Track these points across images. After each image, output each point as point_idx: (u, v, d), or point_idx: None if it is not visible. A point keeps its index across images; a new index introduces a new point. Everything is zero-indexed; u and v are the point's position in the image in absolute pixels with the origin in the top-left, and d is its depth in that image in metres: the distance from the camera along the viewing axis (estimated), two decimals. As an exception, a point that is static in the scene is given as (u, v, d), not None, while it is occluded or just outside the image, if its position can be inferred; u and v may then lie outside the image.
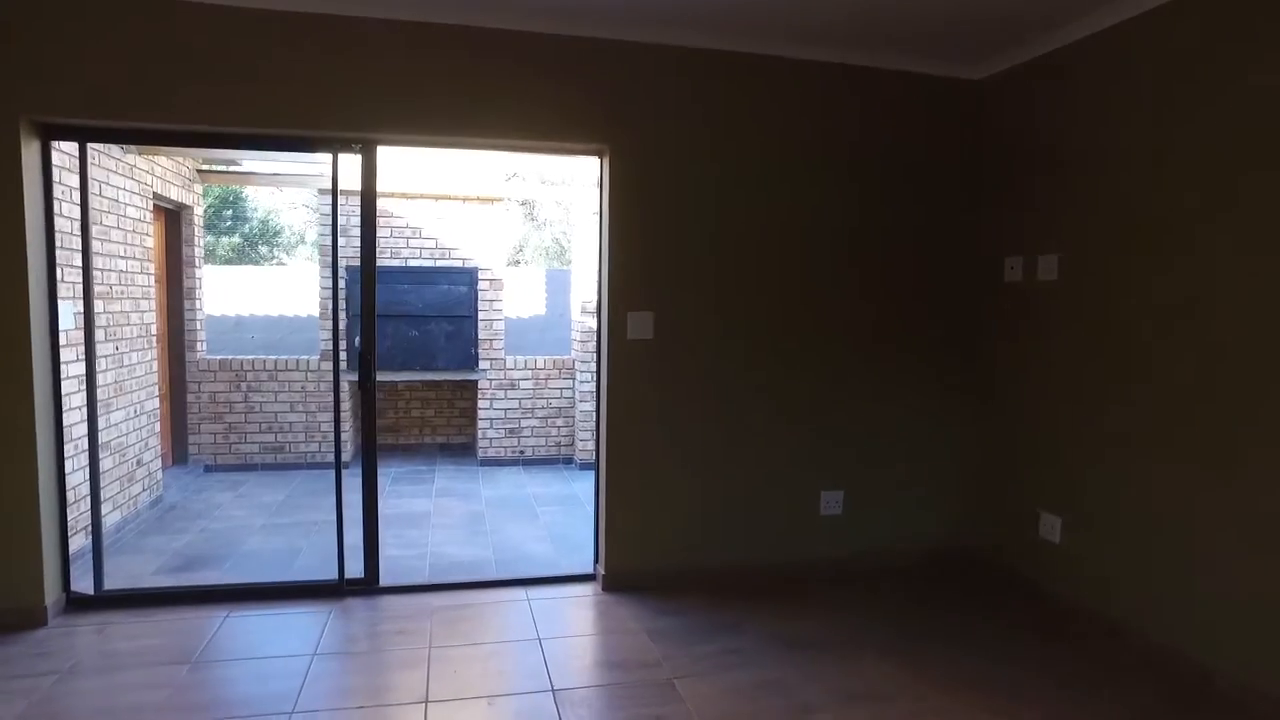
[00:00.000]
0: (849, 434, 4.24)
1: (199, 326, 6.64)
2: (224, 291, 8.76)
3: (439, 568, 4.40)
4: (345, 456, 6.92)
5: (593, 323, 7.07)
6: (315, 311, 6.66)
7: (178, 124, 3.40)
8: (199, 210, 6.61)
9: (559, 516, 5.57)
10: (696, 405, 3.99)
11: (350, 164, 3.82)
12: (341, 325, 6.73)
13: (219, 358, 6.64)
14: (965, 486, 4.43)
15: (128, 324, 5.11)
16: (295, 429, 6.75)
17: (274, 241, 20.73)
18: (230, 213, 19.55)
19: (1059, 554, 3.80)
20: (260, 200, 20.25)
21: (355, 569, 3.94)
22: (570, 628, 3.62)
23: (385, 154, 6.37)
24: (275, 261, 20.60)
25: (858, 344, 4.20)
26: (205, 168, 6.59)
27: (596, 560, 4.12)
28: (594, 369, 7.17)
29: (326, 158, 3.79)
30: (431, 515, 5.54)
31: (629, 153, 3.81)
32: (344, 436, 7.00)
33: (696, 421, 4.00)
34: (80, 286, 4.44)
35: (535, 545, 4.86)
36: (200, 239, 6.65)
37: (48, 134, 3.42)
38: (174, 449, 6.59)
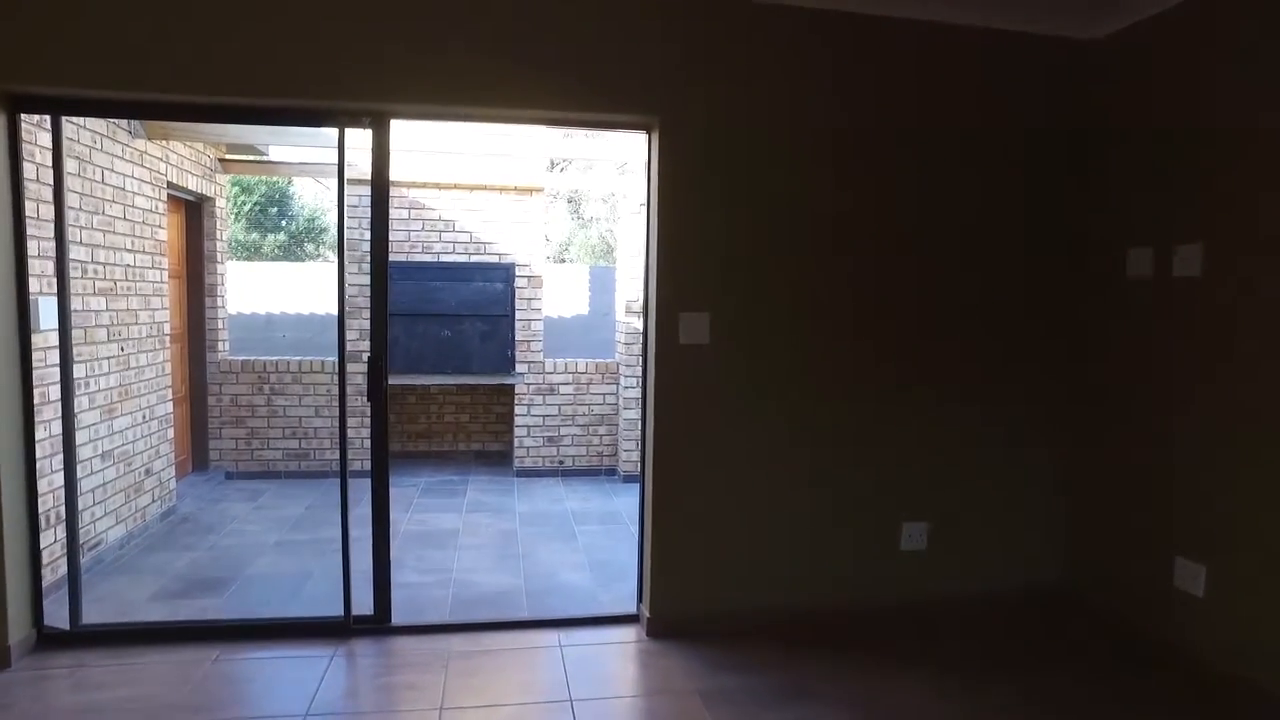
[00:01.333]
0: (935, 456, 3.62)
1: (221, 325, 6.26)
2: (260, 288, 8.42)
3: (462, 600, 3.90)
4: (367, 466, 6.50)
5: (639, 324, 6.52)
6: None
7: (156, 94, 2.94)
8: (222, 202, 6.24)
9: (599, 538, 5.03)
10: (758, 421, 3.41)
11: (362, 142, 3.32)
12: (365, 324, 6.38)
13: (241, 358, 6.26)
14: (1075, 520, 3.77)
15: (135, 323, 4.72)
16: (320, 435, 6.34)
17: (320, 239, 20.67)
18: (276, 210, 19.53)
19: (1201, 610, 3.12)
20: (306, 198, 20.19)
21: (366, 601, 3.45)
22: (609, 685, 3.07)
23: (408, 136, 5.96)
24: (321, 258, 20.53)
25: (948, 353, 3.58)
26: (229, 157, 6.20)
27: (640, 599, 3.57)
28: (640, 374, 6.62)
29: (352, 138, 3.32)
30: (460, 533, 5.05)
31: (681, 127, 3.25)
32: (367, 445, 6.59)
33: (758, 440, 3.42)
34: (73, 283, 4.04)
35: (572, 573, 4.33)
36: (223, 232, 6.27)
37: (15, 105, 2.99)
38: (194, 455, 6.22)
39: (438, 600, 3.89)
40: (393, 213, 6.39)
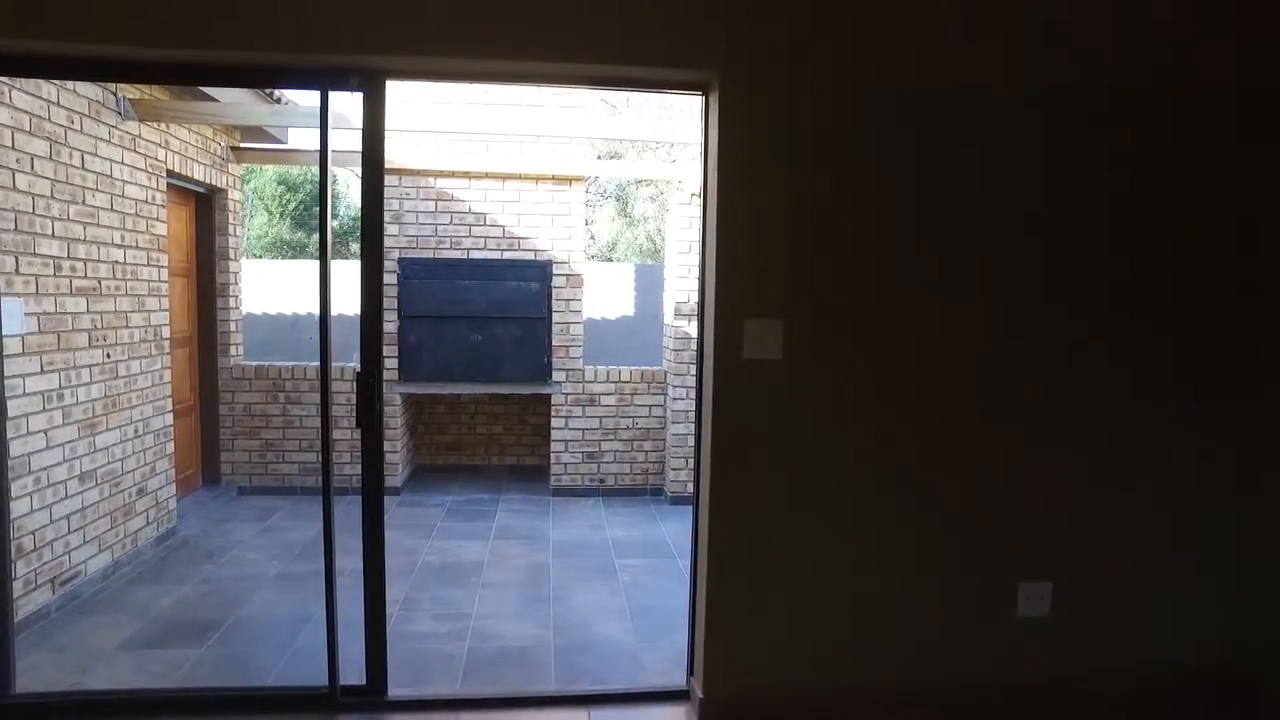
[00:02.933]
0: (1062, 502, 2.85)
1: (234, 328, 5.77)
2: (290, 287, 7.96)
3: (479, 658, 3.28)
4: (395, 480, 5.96)
5: (690, 328, 5.85)
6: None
7: (91, 46, 2.35)
8: (235, 194, 5.74)
9: (644, 575, 4.37)
10: (842, 454, 2.69)
11: (359, 106, 2.71)
12: (391, 329, 5.79)
13: (255, 364, 5.76)
14: (1255, 586, 2.97)
15: (126, 326, 4.21)
16: (339, 448, 5.76)
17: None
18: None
19: None
20: (354, 195, 19.96)
21: (361, 658, 2.84)
22: (650, 795, 2.41)
23: (432, 117, 5.37)
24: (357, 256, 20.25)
25: (1102, 370, 2.81)
26: (243, 145, 5.70)
27: (691, 669, 2.89)
28: (689, 385, 5.96)
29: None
30: (485, 566, 4.44)
31: (748, 85, 2.55)
32: (394, 460, 6.07)
33: (845, 479, 2.71)
34: (44, 281, 3.54)
35: (610, 623, 3.68)
36: (236, 227, 5.78)
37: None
38: (203, 469, 5.74)
39: (449, 658, 3.28)
40: (418, 205, 5.85)
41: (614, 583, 4.26)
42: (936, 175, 2.64)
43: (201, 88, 4.39)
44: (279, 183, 18.73)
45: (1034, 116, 2.67)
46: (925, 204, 2.65)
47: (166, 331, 4.66)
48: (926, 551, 2.79)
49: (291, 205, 18.33)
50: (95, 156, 3.91)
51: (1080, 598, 2.89)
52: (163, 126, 4.60)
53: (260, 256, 16.99)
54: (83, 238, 3.81)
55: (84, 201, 3.82)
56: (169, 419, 4.69)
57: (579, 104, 5.70)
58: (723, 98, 2.56)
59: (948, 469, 2.76)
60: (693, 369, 6.00)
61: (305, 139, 5.76)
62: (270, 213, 18.53)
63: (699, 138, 2.73)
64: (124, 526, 4.21)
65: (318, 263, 2.74)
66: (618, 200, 22.30)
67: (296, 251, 18.12)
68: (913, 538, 2.77)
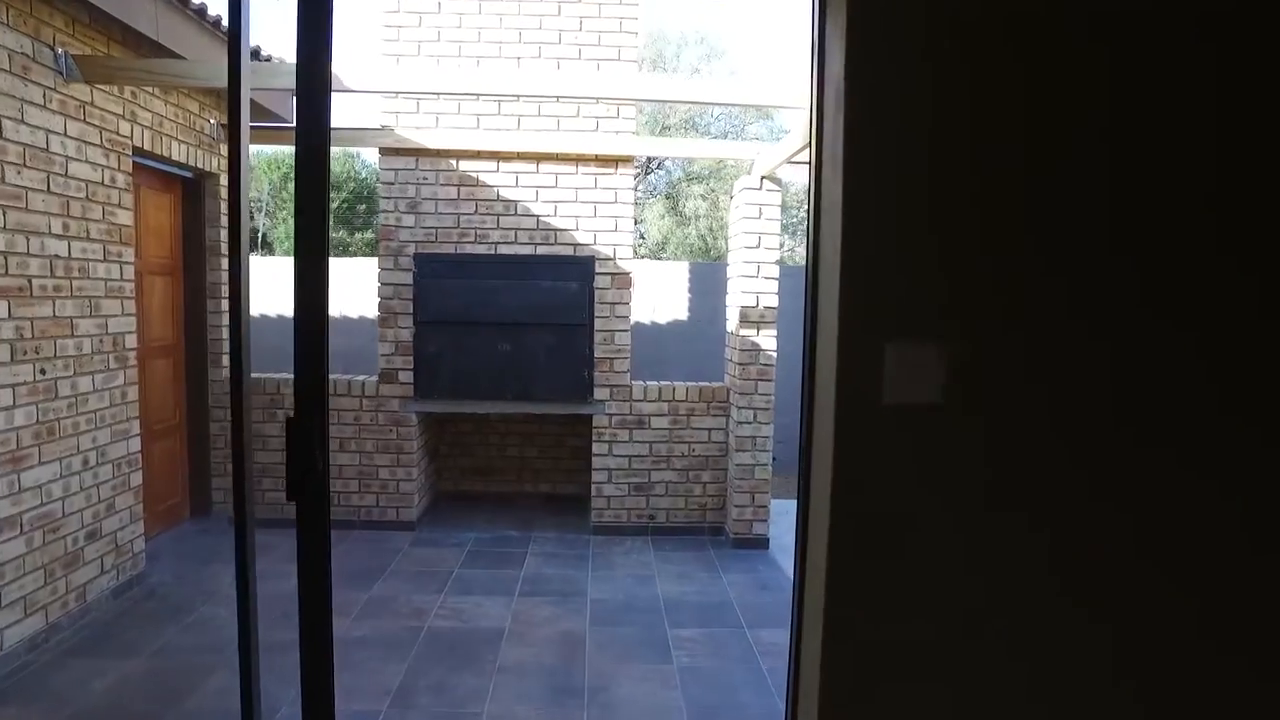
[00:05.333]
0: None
1: (228, 335, 4.99)
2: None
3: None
4: (411, 513, 5.13)
5: (759, 338, 4.88)
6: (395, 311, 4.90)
7: None
8: (227, 180, 4.96)
9: (704, 654, 3.44)
10: (1039, 556, 1.69)
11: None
12: (403, 332, 5.10)
13: (252, 376, 4.96)
14: None
15: (70, 334, 3.43)
16: (346, 474, 4.99)
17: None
18: (365, 207, 18.87)
19: None
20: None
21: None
22: None
23: (450, 75, 4.40)
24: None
25: None
26: (238, 122, 4.92)
27: None
28: (756, 406, 4.99)
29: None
30: (505, 637, 3.55)
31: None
32: (409, 489, 5.25)
33: (1038, 599, 1.71)
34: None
35: (660, 739, 2.75)
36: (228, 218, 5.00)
37: None
38: (192, 497, 4.98)
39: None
40: (437, 191, 4.98)
41: (667, 664, 3.33)
42: (1180, 147, 1.63)
43: (165, 43, 3.59)
44: (320, 180, 18.29)
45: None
46: (1173, 182, 1.63)
47: (132, 340, 3.87)
48: (1162, 697, 1.77)
49: (334, 204, 17.86)
50: (20, 124, 3.13)
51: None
52: (129, 95, 3.82)
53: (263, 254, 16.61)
54: (0, 225, 3.03)
55: (1, 180, 3.04)
56: (134, 445, 3.91)
57: (614, 57, 4.77)
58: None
59: (1204, 574, 1.73)
60: (761, 385, 5.08)
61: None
62: (312, 211, 18.10)
63: (810, 61, 1.76)
64: (65, 580, 3.43)
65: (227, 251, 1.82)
66: (667, 197, 21.39)
67: (340, 250, 17.62)
68: (1149, 676, 1.75)
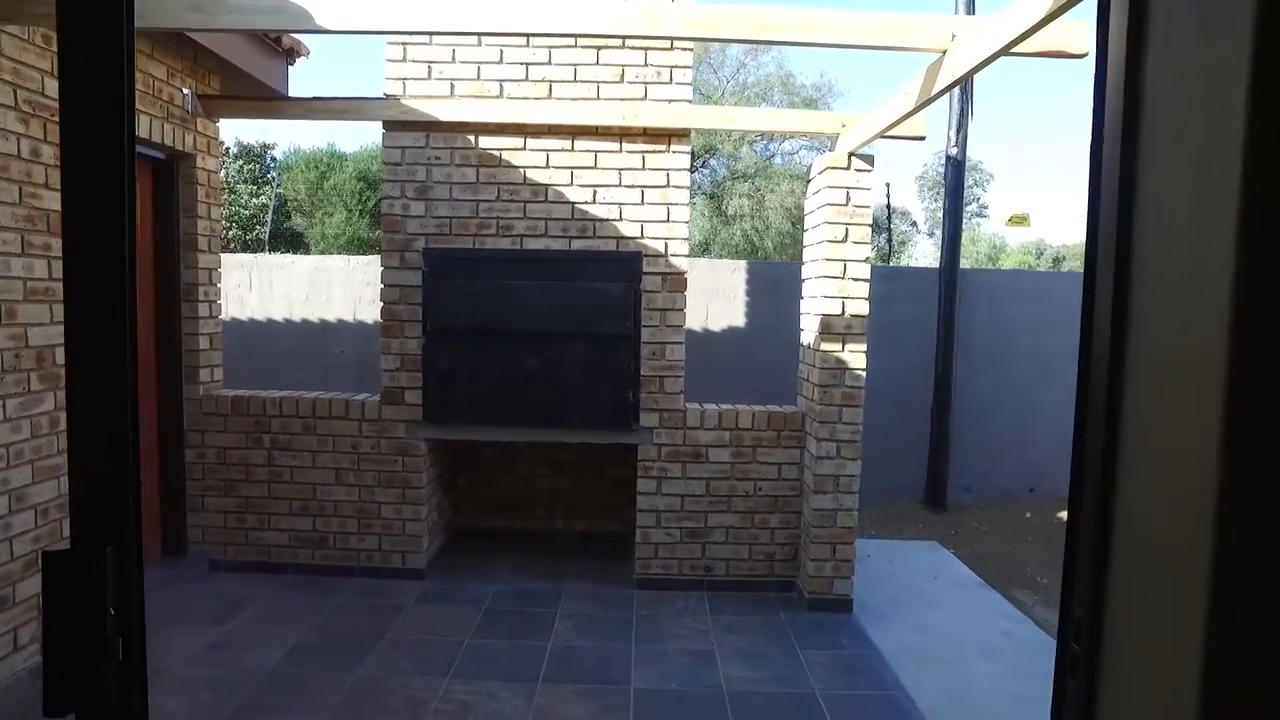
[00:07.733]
0: None
1: (207, 344, 4.23)
2: (327, 286, 6.43)
3: None
4: (419, 560, 4.31)
5: (842, 353, 3.94)
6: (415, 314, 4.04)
7: None
8: (209, 161, 4.19)
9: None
10: None
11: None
12: (409, 343, 4.28)
13: (233, 394, 4.18)
14: None
15: (-36, 349, 2.66)
16: (343, 512, 4.17)
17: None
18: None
19: None
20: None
21: None
22: None
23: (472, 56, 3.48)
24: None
25: None
26: (215, 94, 4.15)
27: None
28: (840, 439, 4.00)
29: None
30: (519, 752, 2.68)
31: None
32: (417, 530, 4.39)
33: None
34: None
35: None
36: (212, 209, 4.23)
37: None
38: (163, 536, 4.22)
39: None
40: (452, 173, 4.11)
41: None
42: None
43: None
44: (358, 178, 17.76)
45: None
46: None
47: (57, 356, 3.09)
48: None
49: (371, 203, 17.28)
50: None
51: None
52: (38, 42, 3.03)
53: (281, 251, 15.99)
54: None
55: None
56: (55, 487, 3.12)
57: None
58: None
59: None
60: (846, 412, 4.01)
61: (306, 87, 4.16)
62: (349, 210, 17.56)
63: None
64: (-43, 668, 2.65)
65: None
66: (711, 197, 20.41)
67: (357, 249, 16.99)
68: None
